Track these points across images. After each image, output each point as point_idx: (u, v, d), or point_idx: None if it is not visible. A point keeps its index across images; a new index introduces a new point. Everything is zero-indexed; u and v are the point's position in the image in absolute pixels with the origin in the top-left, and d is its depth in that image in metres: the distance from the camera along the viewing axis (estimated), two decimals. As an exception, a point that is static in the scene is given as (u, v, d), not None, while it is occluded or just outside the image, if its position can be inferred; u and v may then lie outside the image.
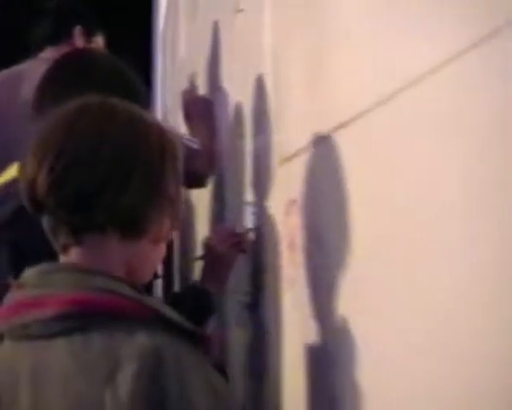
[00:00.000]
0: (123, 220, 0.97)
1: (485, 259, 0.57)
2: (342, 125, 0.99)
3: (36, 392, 0.94)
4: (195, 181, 1.83)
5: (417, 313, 0.74)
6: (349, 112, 0.95)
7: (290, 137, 1.29)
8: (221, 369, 1.02)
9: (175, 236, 2.62)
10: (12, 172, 1.38)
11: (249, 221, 1.62)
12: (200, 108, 1.96)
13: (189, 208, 2.61)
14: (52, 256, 1.00)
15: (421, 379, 0.73)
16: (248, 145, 1.66)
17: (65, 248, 0.99)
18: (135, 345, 0.89)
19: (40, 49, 2.00)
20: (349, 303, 0.99)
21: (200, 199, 2.38)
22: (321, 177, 1.12)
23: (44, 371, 0.94)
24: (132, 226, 0.98)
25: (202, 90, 2.24)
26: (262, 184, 1.52)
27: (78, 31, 2.02)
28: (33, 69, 1.66)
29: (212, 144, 1.89)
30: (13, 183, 1.36)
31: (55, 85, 1.34)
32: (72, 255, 0.98)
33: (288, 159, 1.29)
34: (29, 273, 0.99)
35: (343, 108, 0.99)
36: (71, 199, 0.95)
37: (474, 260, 0.59)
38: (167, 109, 3.67)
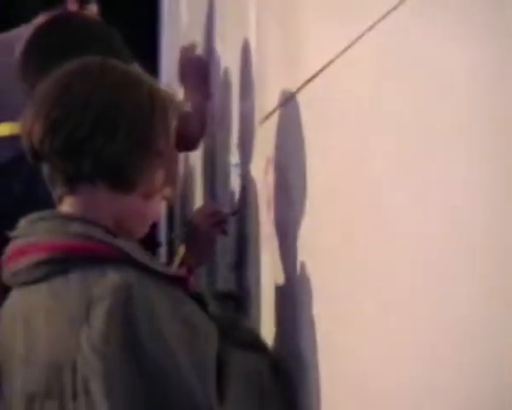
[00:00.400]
0: (109, 169, 1.01)
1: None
2: (306, 83, 1.02)
3: (27, 336, 0.99)
4: (186, 144, 1.85)
5: (370, 253, 0.78)
6: (313, 68, 0.98)
7: (268, 98, 1.32)
8: (200, 300, 1.04)
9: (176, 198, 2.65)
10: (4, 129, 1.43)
11: (236, 183, 1.66)
12: (195, 68, 1.93)
13: (189, 173, 2.66)
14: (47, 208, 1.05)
15: (372, 312, 0.77)
16: (235, 107, 1.69)
17: (60, 199, 1.04)
18: (106, 284, 0.94)
19: (35, 14, 1.98)
20: (310, 251, 1.04)
21: (197, 164, 2.41)
22: (289, 135, 1.15)
23: (33, 315, 1.00)
24: (119, 176, 1.02)
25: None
26: (246, 145, 1.55)
27: None
28: (25, 33, 1.69)
29: (204, 106, 1.90)
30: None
31: (37, 49, 1.36)
32: (66, 205, 1.04)
33: (266, 119, 1.32)
34: (21, 223, 1.04)
35: (309, 66, 1.02)
36: (62, 145, 1.00)
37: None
38: (171, 80, 3.69)
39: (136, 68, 1.13)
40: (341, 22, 0.87)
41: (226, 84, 1.84)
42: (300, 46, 1.06)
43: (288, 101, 1.14)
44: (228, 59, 1.83)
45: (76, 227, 1.00)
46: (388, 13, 0.67)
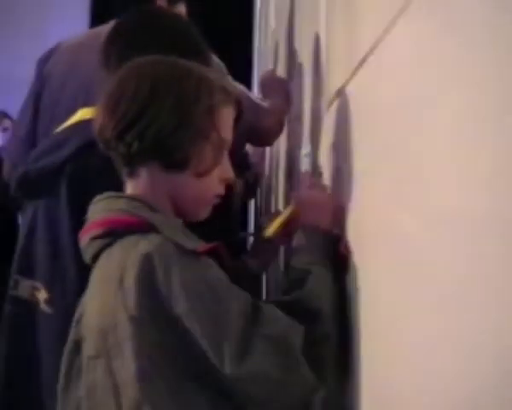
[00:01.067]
0: (155, 147, 1.10)
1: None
2: (352, 75, 1.09)
3: (89, 308, 1.11)
4: (260, 138, 1.93)
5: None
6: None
7: (332, 90, 1.39)
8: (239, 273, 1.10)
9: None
10: (77, 116, 1.54)
11: (306, 171, 1.73)
12: (276, 86, 2.01)
13: (275, 167, 2.74)
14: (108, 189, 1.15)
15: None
16: (307, 100, 1.77)
17: (125, 183, 1.16)
18: (136, 253, 1.02)
19: (124, 11, 2.11)
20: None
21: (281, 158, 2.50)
22: (340, 125, 1.23)
23: (93, 288, 1.12)
24: (166, 155, 1.10)
25: (282, 55, 2.36)
26: (315, 136, 1.63)
27: None
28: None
29: (283, 106, 1.96)
30: (78, 124, 1.52)
31: (120, 39, 1.46)
32: (128, 188, 1.15)
33: (327, 109, 1.40)
34: (91, 205, 1.16)
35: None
36: (114, 130, 1.11)
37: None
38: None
39: (196, 65, 1.19)
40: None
41: (299, 78, 1.92)
42: (356, 40, 1.12)
43: (340, 92, 1.21)
44: (303, 56, 1.91)
45: (121, 204, 1.11)
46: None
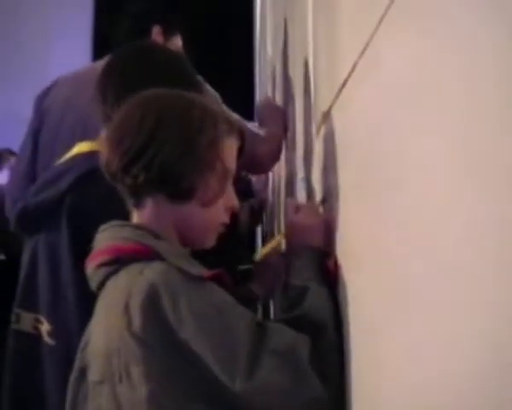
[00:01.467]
0: (161, 178, 1.12)
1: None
2: (336, 97, 1.11)
3: (95, 334, 1.12)
4: (257, 165, 1.95)
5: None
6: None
7: (319, 114, 1.41)
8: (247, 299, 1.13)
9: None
10: (75, 149, 1.56)
11: (302, 197, 1.75)
12: (272, 113, 2.03)
13: (277, 193, 2.76)
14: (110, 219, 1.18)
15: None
16: (300, 125, 1.79)
17: (130, 213, 1.18)
18: (142, 281, 1.04)
19: (119, 46, 2.11)
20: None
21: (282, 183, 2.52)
22: (327, 147, 1.25)
23: (99, 314, 1.14)
24: (172, 186, 1.12)
25: (278, 81, 2.39)
26: (308, 160, 1.64)
27: (155, 30, 2.10)
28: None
29: (279, 134, 1.98)
30: (75, 157, 1.55)
31: (113, 75, 1.50)
32: (134, 218, 1.17)
33: (317, 133, 1.41)
34: (97, 234, 1.18)
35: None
36: (121, 161, 1.13)
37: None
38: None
39: (199, 97, 1.23)
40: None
41: (293, 104, 1.94)
42: (337, 63, 1.14)
43: (326, 116, 1.23)
44: (295, 81, 1.94)
45: (126, 232, 1.13)
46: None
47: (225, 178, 1.17)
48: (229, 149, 1.18)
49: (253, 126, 1.95)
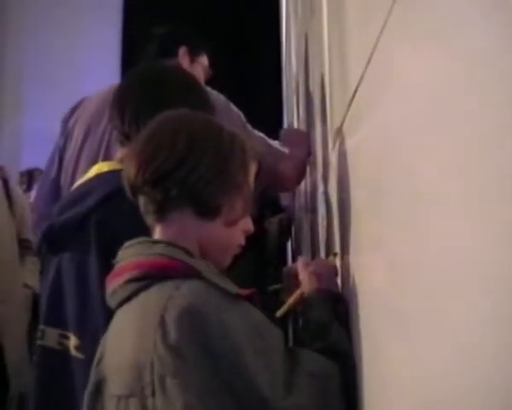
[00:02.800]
0: (192, 195, 1.14)
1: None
2: (345, 114, 1.11)
3: (120, 347, 1.12)
4: (279, 182, 1.96)
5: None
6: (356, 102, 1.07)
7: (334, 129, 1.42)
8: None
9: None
10: (97, 168, 1.58)
11: (323, 210, 1.75)
12: (297, 138, 2.08)
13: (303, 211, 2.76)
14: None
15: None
16: (319, 141, 1.80)
17: (152, 228, 1.19)
18: (179, 297, 1.05)
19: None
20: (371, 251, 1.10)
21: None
22: (340, 162, 1.26)
23: (125, 328, 1.13)
24: (202, 203, 1.15)
25: (301, 96, 2.40)
26: (326, 173, 1.65)
27: (182, 51, 2.16)
28: None
29: (303, 154, 2.01)
30: (101, 175, 1.56)
31: (124, 98, 1.52)
32: (157, 233, 1.18)
33: (333, 148, 1.42)
34: (120, 250, 1.20)
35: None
36: (153, 176, 1.15)
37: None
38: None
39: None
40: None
41: (313, 119, 1.95)
42: (347, 77, 1.15)
43: (339, 131, 1.24)
44: (315, 96, 1.95)
45: (158, 248, 1.14)
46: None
47: (248, 201, 1.21)
48: (252, 173, 1.22)
49: (276, 144, 1.96)
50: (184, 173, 1.13)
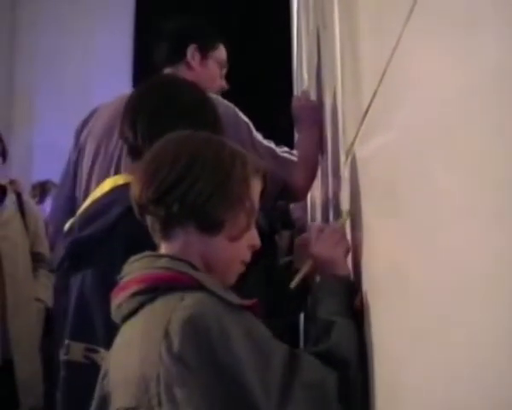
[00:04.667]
0: (194, 210, 1.16)
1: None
2: (357, 133, 1.11)
3: (126, 361, 1.13)
4: (294, 194, 1.95)
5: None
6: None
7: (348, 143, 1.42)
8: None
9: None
10: (111, 182, 1.59)
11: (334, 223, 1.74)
12: (310, 112, 2.03)
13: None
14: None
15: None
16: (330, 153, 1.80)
17: (159, 246, 1.21)
18: (182, 308, 1.06)
19: (161, 68, 2.11)
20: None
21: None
22: (352, 179, 1.25)
23: (131, 341, 1.14)
24: (204, 218, 1.16)
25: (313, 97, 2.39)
26: (337, 187, 1.64)
27: (191, 49, 2.10)
28: None
29: (314, 157, 1.98)
30: (120, 187, 1.56)
31: (135, 112, 1.54)
32: (162, 250, 1.20)
33: (345, 165, 1.42)
34: (125, 265, 1.22)
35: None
36: (154, 193, 1.17)
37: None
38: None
39: (227, 140, 1.28)
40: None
41: (325, 130, 1.95)
42: (360, 93, 1.15)
43: (352, 145, 1.24)
44: (327, 109, 1.94)
45: (163, 262, 1.16)
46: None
47: (252, 216, 1.21)
48: (255, 188, 1.23)
49: (286, 154, 1.95)
50: (184, 189, 1.15)
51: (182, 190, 1.15)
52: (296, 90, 4.58)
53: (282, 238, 3.66)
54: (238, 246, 1.20)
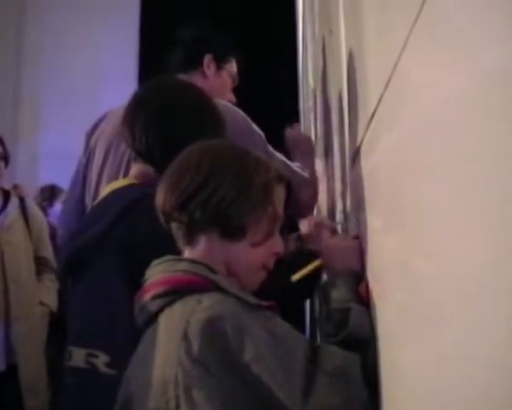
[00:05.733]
0: (216, 215, 1.16)
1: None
2: (362, 139, 1.11)
3: (147, 365, 1.13)
4: (303, 209, 1.96)
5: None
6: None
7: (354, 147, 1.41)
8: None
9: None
10: (109, 188, 1.58)
11: (339, 228, 1.74)
12: (303, 146, 2.08)
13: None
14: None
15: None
16: (337, 154, 1.80)
17: (182, 252, 1.22)
18: (201, 310, 1.07)
19: (172, 75, 2.09)
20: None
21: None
22: (357, 184, 1.25)
23: (152, 345, 1.14)
24: (227, 224, 1.17)
25: (319, 113, 2.39)
26: (344, 192, 1.64)
27: (207, 59, 2.12)
28: None
29: (315, 178, 2.01)
30: (115, 192, 1.56)
31: (135, 115, 1.55)
32: (185, 255, 1.21)
33: (351, 169, 1.42)
34: (148, 269, 1.22)
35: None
36: (178, 200, 1.18)
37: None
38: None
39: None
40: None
41: (331, 136, 1.95)
42: (367, 97, 1.15)
43: (358, 150, 1.24)
44: (333, 113, 1.94)
45: (183, 265, 1.17)
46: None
47: (275, 222, 1.21)
48: (279, 195, 1.23)
49: (297, 167, 1.96)
50: (207, 195, 1.16)
51: (204, 196, 1.16)
52: (302, 95, 4.58)
53: (289, 241, 3.65)
54: (261, 252, 1.20)
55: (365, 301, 1.18)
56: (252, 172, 1.19)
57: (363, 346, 1.11)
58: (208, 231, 1.17)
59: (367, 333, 1.13)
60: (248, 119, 1.90)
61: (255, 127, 1.89)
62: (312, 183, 1.95)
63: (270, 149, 1.90)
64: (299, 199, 1.89)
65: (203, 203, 1.16)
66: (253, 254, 1.19)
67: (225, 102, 1.86)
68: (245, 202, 1.17)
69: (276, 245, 1.22)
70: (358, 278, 1.24)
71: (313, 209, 2.07)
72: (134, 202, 1.42)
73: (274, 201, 1.20)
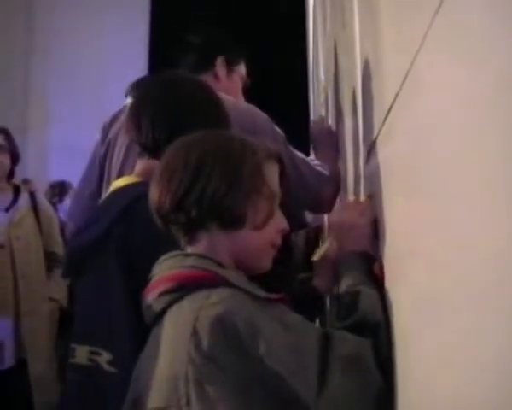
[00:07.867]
0: (213, 208, 1.15)
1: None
2: (379, 131, 1.10)
3: (156, 363, 1.12)
4: (323, 206, 1.96)
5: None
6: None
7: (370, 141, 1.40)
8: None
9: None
10: (113, 186, 1.58)
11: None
12: (326, 139, 2.10)
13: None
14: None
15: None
16: (350, 151, 1.78)
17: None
18: (210, 305, 1.06)
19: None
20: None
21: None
22: (373, 176, 1.25)
23: (161, 342, 1.13)
24: (225, 215, 1.16)
25: (331, 109, 2.38)
26: (357, 186, 1.62)
27: (219, 61, 2.15)
28: None
29: (337, 170, 2.01)
30: (116, 192, 1.56)
31: (140, 109, 1.54)
32: None
33: (365, 163, 1.40)
34: (155, 265, 1.21)
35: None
36: (172, 201, 1.17)
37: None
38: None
39: (237, 134, 1.29)
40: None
41: (343, 130, 1.94)
42: (383, 92, 1.13)
43: (373, 144, 1.22)
44: (345, 109, 1.93)
45: (190, 261, 1.16)
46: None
47: (272, 201, 1.20)
48: (272, 173, 1.22)
49: (316, 165, 1.95)
50: (199, 191, 1.15)
51: (197, 193, 1.15)
52: (312, 90, 4.56)
53: (299, 237, 3.64)
54: (265, 233, 1.19)
55: (381, 282, 1.17)
56: (239, 158, 1.18)
57: (373, 330, 1.10)
58: (208, 227, 1.17)
59: (376, 317, 1.12)
60: (270, 120, 1.91)
61: (277, 129, 1.91)
62: (333, 178, 1.95)
63: (291, 148, 1.91)
64: (321, 197, 1.91)
65: (197, 200, 1.15)
66: (259, 237, 1.19)
67: (247, 103, 1.88)
68: (238, 190, 1.16)
69: (280, 222, 1.22)
70: (370, 258, 1.23)
71: (334, 205, 2.06)
72: (135, 200, 1.42)
73: (267, 180, 1.19)
